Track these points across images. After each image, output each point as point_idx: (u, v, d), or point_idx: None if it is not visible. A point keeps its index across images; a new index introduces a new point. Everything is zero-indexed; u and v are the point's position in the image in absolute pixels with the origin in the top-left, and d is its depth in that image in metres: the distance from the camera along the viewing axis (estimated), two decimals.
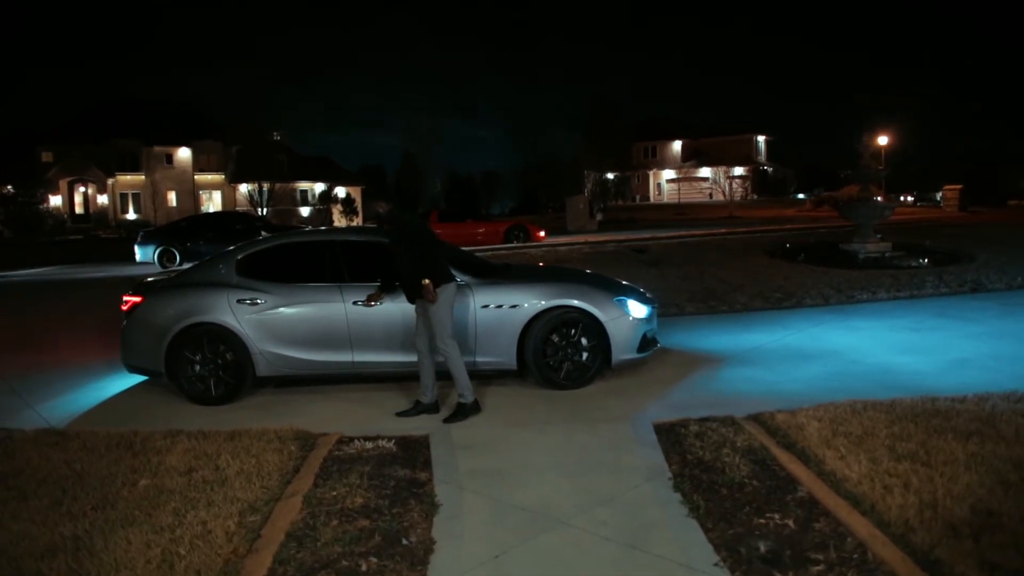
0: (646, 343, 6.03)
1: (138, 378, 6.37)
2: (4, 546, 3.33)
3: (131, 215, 48.98)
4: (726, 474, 3.86)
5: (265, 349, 5.76)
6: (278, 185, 47.33)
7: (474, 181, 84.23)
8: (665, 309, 8.63)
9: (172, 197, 50.43)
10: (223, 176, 51.09)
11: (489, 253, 14.18)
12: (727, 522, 3.37)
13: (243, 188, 48.33)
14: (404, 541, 3.31)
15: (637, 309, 5.96)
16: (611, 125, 51.40)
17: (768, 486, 3.70)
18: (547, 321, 5.71)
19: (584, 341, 5.77)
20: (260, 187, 46.33)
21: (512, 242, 22.27)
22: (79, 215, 47.66)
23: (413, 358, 5.77)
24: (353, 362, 5.81)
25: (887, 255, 12.93)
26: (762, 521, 3.35)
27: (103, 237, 37.78)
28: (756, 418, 4.73)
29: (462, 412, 5.17)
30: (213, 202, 51.48)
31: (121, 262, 21.26)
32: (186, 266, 9.78)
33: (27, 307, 12.66)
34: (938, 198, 41.01)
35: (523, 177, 65.88)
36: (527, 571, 3.08)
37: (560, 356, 5.77)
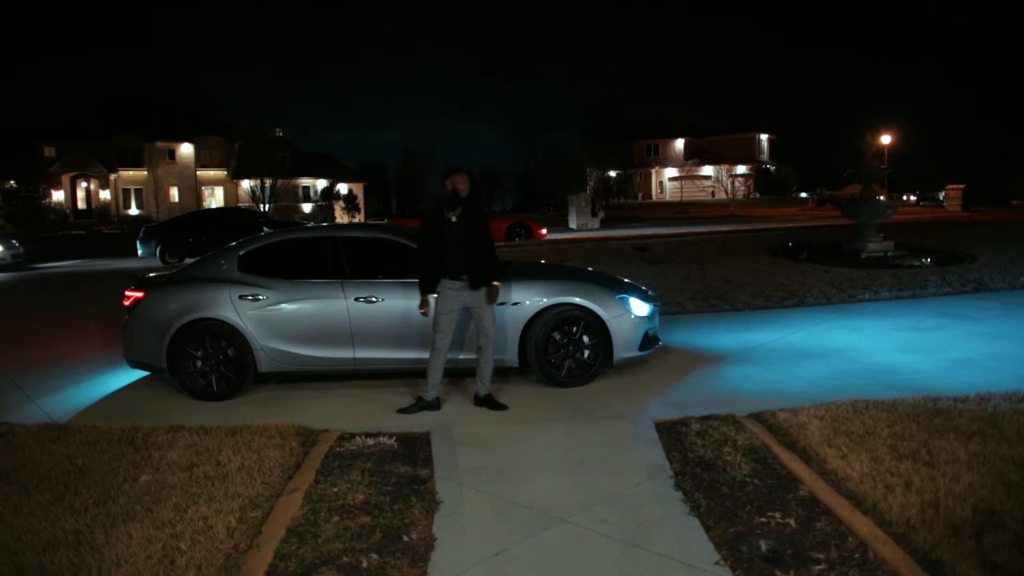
0: (648, 341, 6.03)
1: (140, 373, 6.37)
2: (6, 540, 3.33)
3: (133, 210, 49.03)
4: (727, 472, 3.86)
5: (267, 345, 5.76)
6: (280, 181, 47.34)
7: (475, 179, 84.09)
8: (667, 307, 8.63)
9: (174, 193, 50.47)
10: (225, 172, 51.13)
11: None
12: (728, 521, 3.36)
13: (245, 184, 48.31)
14: (405, 538, 3.32)
15: (639, 307, 5.95)
16: (613, 123, 51.39)
17: (769, 485, 3.69)
18: (549, 319, 5.71)
19: (586, 339, 5.77)
20: (262, 183, 46.34)
21: (514, 240, 22.28)
22: (81, 210, 47.72)
23: (414, 354, 5.78)
24: (354, 358, 5.82)
25: (889, 254, 12.91)
26: (763, 520, 3.34)
27: (105, 232, 37.79)
28: (757, 417, 4.72)
29: (491, 403, 5.30)
30: (215, 198, 51.53)
31: (122, 257, 21.30)
32: (188, 262, 9.77)
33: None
34: (941, 198, 40.95)
35: (524, 175, 65.88)
36: (528, 568, 3.08)
37: (562, 354, 5.77)
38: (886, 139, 41.74)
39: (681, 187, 61.95)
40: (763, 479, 3.76)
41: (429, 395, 5.34)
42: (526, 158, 61.72)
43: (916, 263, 12.37)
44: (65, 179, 47.17)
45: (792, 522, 3.30)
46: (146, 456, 4.32)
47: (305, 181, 53.22)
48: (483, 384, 5.38)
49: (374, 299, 5.75)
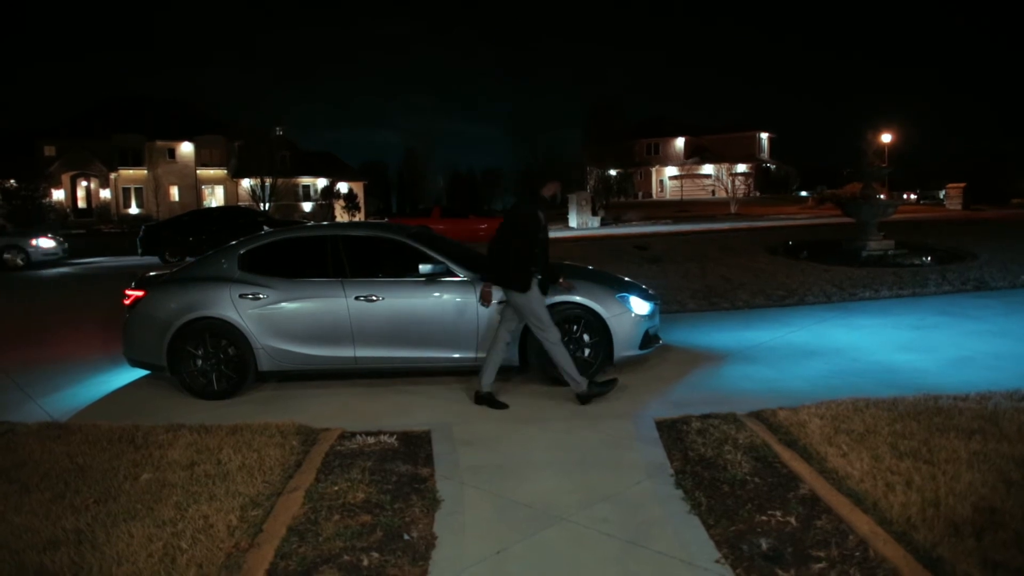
0: (648, 340, 6.02)
1: (140, 372, 6.37)
2: (7, 539, 3.33)
3: (133, 209, 49.05)
4: (728, 471, 3.86)
5: (267, 344, 5.76)
6: (280, 180, 47.39)
7: (475, 178, 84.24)
8: (667, 306, 8.63)
9: (174, 192, 50.49)
10: (225, 171, 51.14)
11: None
12: (729, 519, 3.37)
13: (245, 183, 48.35)
14: (406, 536, 3.32)
15: (639, 306, 5.95)
16: (613, 123, 51.42)
17: (770, 483, 3.69)
18: None
19: (586, 337, 5.77)
20: (262, 182, 46.38)
21: None
22: (81, 209, 47.74)
23: (415, 353, 5.79)
24: (355, 357, 5.82)
25: (890, 253, 12.90)
26: (764, 518, 3.34)
27: (105, 231, 37.81)
28: (758, 415, 4.72)
29: (598, 390, 5.30)
30: (215, 197, 51.54)
31: (122, 255, 21.32)
32: (188, 260, 9.77)
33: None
34: (941, 196, 40.95)
35: (525, 174, 65.83)
36: (528, 567, 3.08)
37: None
38: (887, 138, 41.72)
39: (681, 186, 61.94)
40: (763, 477, 3.76)
41: (582, 386, 5.25)
42: (526, 157, 61.72)
43: (916, 262, 12.36)
44: (65, 178, 47.18)
45: (793, 520, 3.30)
46: (147, 455, 4.33)
47: (305, 180, 53.24)
48: (486, 381, 5.37)
49: (375, 298, 5.75)
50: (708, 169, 59.68)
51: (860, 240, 13.20)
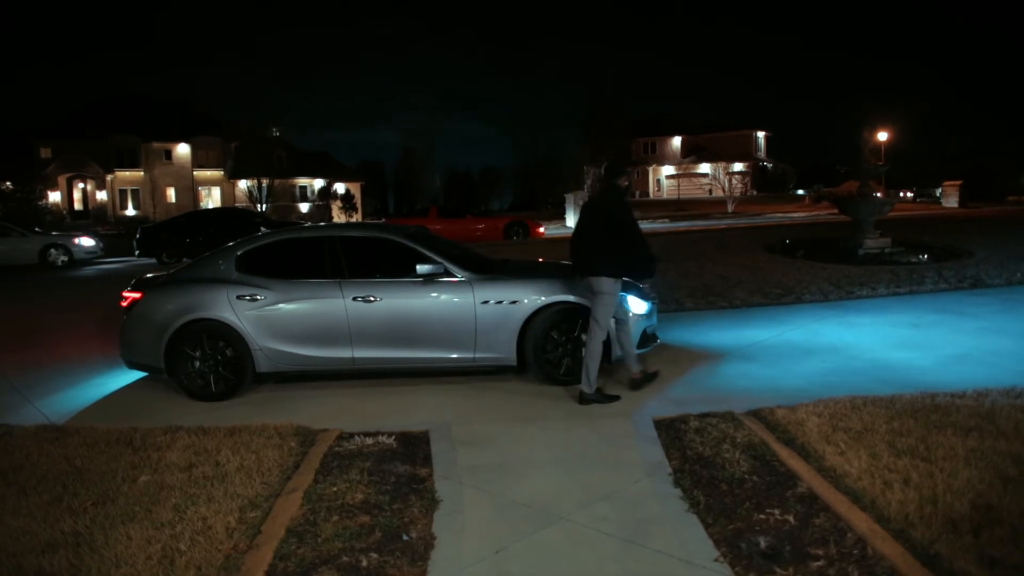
0: (646, 339, 6.03)
1: (138, 374, 6.37)
2: (4, 542, 3.33)
3: (130, 211, 48.94)
4: (726, 470, 3.86)
5: (265, 345, 5.76)
6: (277, 181, 47.32)
7: (473, 178, 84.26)
8: (664, 305, 8.63)
9: (171, 193, 50.39)
10: (222, 172, 51.06)
11: (489, 249, 14.18)
12: (727, 517, 3.37)
13: (242, 184, 48.28)
14: (404, 537, 3.32)
15: (637, 305, 5.95)
16: (611, 122, 51.42)
17: (768, 482, 3.70)
18: (547, 317, 5.71)
19: (584, 337, 5.77)
20: (259, 183, 46.32)
21: (512, 238, 22.27)
22: (78, 211, 47.62)
23: (412, 354, 5.79)
24: (353, 358, 5.81)
25: (886, 251, 12.92)
26: (762, 516, 3.35)
27: (102, 233, 37.73)
28: (756, 414, 4.73)
29: (600, 399, 5.31)
30: (212, 198, 51.46)
31: (120, 257, 21.27)
32: (185, 262, 9.76)
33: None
34: (938, 194, 41.02)
35: (522, 173, 65.91)
36: (527, 566, 3.08)
37: (560, 352, 5.77)
38: (883, 136, 41.79)
39: (679, 185, 61.97)
40: (762, 476, 3.77)
41: (591, 389, 5.28)
42: (525, 157, 61.81)
43: (913, 259, 12.38)
44: (61, 180, 47.07)
45: (791, 518, 3.30)
46: (145, 457, 4.32)
47: (302, 181, 53.16)
48: (588, 382, 5.26)
49: (372, 298, 5.74)
50: (705, 168, 59.73)
51: (857, 238, 13.21)
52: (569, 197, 33.00)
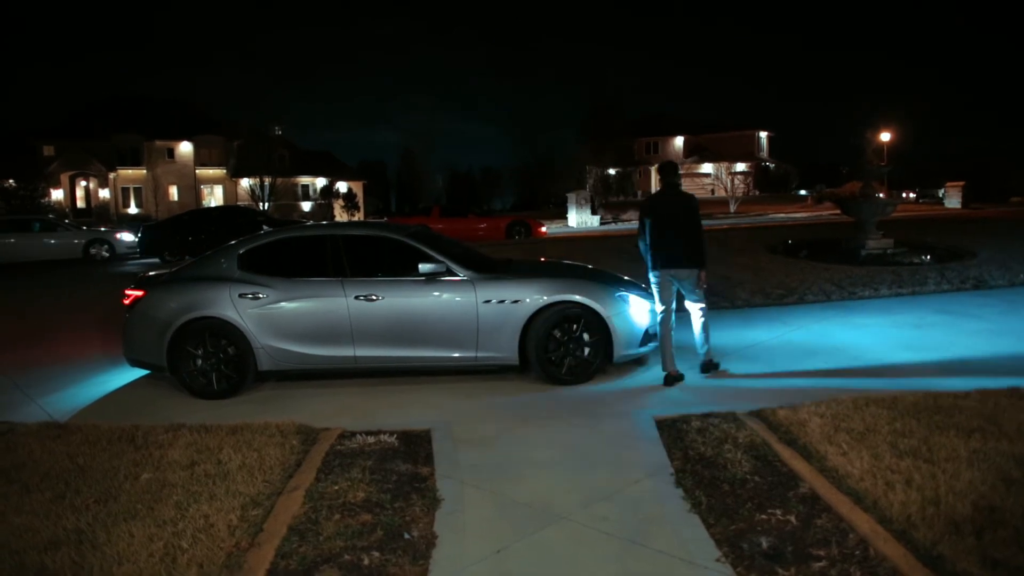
0: (648, 338, 6.03)
1: (140, 372, 6.37)
2: (7, 539, 3.33)
3: (132, 209, 48.99)
4: (728, 470, 3.86)
5: (267, 343, 5.76)
6: (279, 180, 47.36)
7: (474, 178, 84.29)
8: None
9: (173, 191, 50.44)
10: (225, 171, 51.10)
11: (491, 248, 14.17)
12: (729, 518, 3.37)
13: (244, 183, 48.33)
14: (406, 535, 3.32)
15: (639, 304, 5.95)
16: (612, 121, 51.40)
17: (770, 482, 3.70)
18: (549, 316, 5.71)
19: (586, 336, 5.77)
20: (261, 182, 46.37)
21: (514, 238, 22.27)
22: (80, 209, 47.67)
23: (414, 352, 5.80)
24: (355, 357, 5.82)
25: (889, 251, 12.89)
26: (764, 517, 3.35)
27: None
28: (758, 414, 4.72)
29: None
30: (215, 197, 51.49)
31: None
32: (188, 260, 9.77)
33: None
34: (940, 195, 40.93)
35: (524, 173, 65.89)
36: (529, 566, 3.08)
37: (562, 351, 5.77)
38: (886, 136, 41.72)
39: (681, 184, 61.90)
40: (764, 476, 3.77)
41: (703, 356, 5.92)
42: (526, 157, 61.77)
43: (916, 260, 12.35)
44: (64, 178, 47.14)
45: (793, 519, 3.30)
46: (147, 455, 4.33)
47: (304, 179, 53.20)
48: (672, 362, 5.80)
49: (374, 297, 5.75)
50: (707, 168, 59.62)
51: (859, 239, 13.18)
52: (571, 197, 33.02)
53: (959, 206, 34.36)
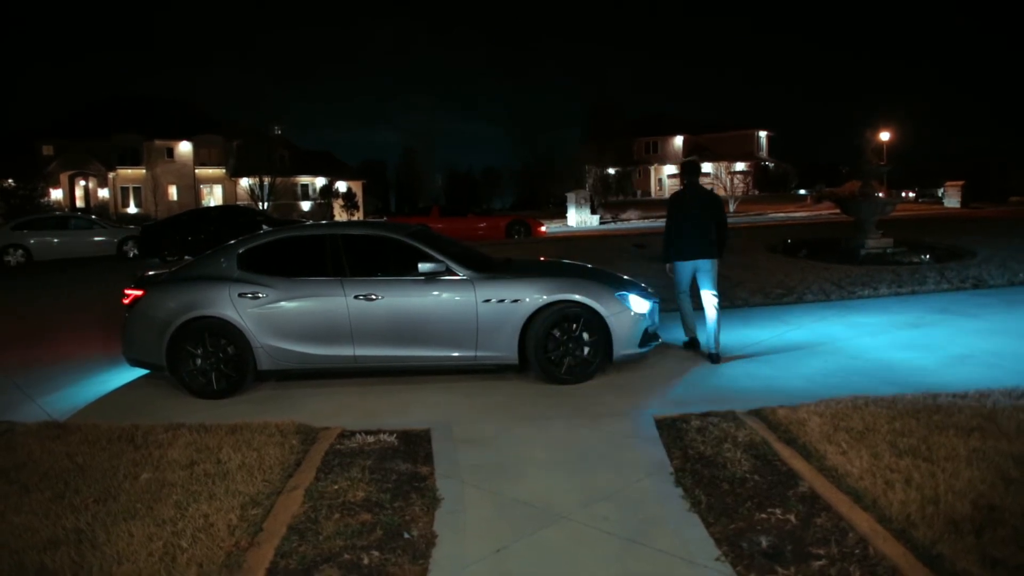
0: (647, 338, 6.03)
1: (139, 372, 6.37)
2: (6, 539, 3.33)
3: (132, 209, 48.99)
4: (727, 469, 3.86)
5: (266, 343, 5.76)
6: (279, 179, 47.37)
7: (474, 177, 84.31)
8: (666, 304, 8.61)
9: (173, 191, 50.44)
10: (224, 170, 51.10)
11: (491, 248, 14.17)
12: (728, 517, 3.37)
13: (244, 182, 48.33)
14: (406, 535, 3.32)
15: (639, 304, 5.95)
16: (612, 121, 51.43)
17: (769, 481, 3.70)
18: (549, 316, 5.71)
19: (586, 336, 5.77)
20: (261, 181, 46.37)
21: (513, 237, 22.27)
22: (80, 209, 47.64)
23: (414, 352, 5.81)
24: (354, 356, 5.82)
25: (888, 251, 12.90)
26: (763, 516, 3.35)
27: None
28: (757, 413, 4.73)
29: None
30: (214, 196, 51.50)
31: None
32: (187, 260, 9.78)
33: None
34: (940, 194, 40.94)
35: (523, 173, 65.89)
36: (528, 565, 3.08)
37: (561, 351, 5.77)
38: (885, 136, 41.73)
39: (680, 184, 61.90)
40: (763, 475, 3.77)
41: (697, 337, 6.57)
42: (526, 156, 61.75)
43: (915, 259, 12.35)
44: (64, 178, 47.13)
45: (792, 518, 3.30)
46: (146, 454, 4.33)
47: (304, 179, 53.21)
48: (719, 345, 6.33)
49: (374, 297, 5.75)
50: (707, 168, 59.45)
51: (859, 238, 13.19)
52: (570, 196, 33.04)
53: (958, 205, 34.38)
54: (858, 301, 8.93)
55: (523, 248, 17.11)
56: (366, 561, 3.09)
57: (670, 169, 64.24)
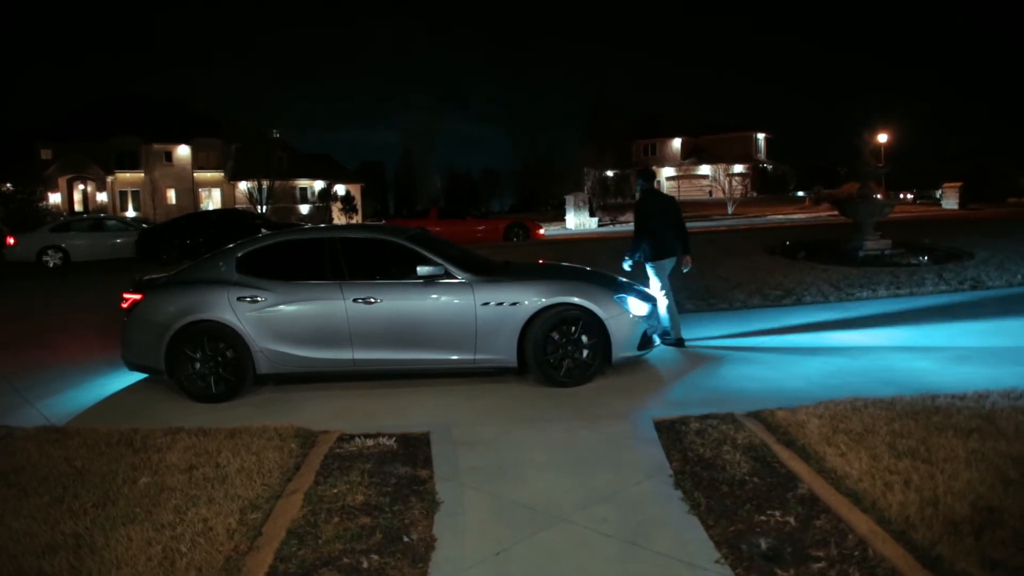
0: (646, 341, 6.03)
1: (138, 376, 6.37)
2: (5, 543, 3.33)
3: (130, 212, 48.90)
4: (727, 471, 3.86)
5: (265, 347, 5.76)
6: (278, 183, 47.31)
7: (473, 179, 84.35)
8: None
9: (171, 195, 50.40)
10: (223, 174, 51.07)
11: (489, 250, 14.16)
12: (728, 519, 3.37)
13: (243, 186, 48.29)
14: (405, 538, 3.32)
15: (637, 307, 5.96)
16: (611, 123, 51.35)
17: (769, 483, 3.70)
18: (548, 319, 5.71)
19: (584, 339, 5.77)
20: (260, 184, 46.33)
21: (512, 240, 22.28)
22: (78, 212, 47.62)
23: (413, 355, 5.81)
24: (353, 359, 5.81)
25: (887, 252, 12.91)
26: (763, 518, 3.35)
27: None
28: (756, 415, 4.73)
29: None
30: (213, 200, 51.46)
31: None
32: (186, 264, 9.78)
33: None
34: (938, 195, 40.99)
35: (522, 175, 65.84)
36: (528, 568, 3.08)
37: (561, 354, 5.76)
38: (883, 137, 41.80)
39: (679, 186, 61.93)
40: (762, 477, 3.77)
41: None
42: (525, 157, 61.65)
43: (914, 261, 12.37)
44: (62, 181, 47.09)
45: (792, 520, 3.30)
46: (145, 458, 4.32)
47: (302, 182, 53.18)
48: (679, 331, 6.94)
49: (373, 300, 5.75)
50: (705, 170, 59.70)
51: (857, 240, 13.21)
52: (569, 199, 33.05)
53: (956, 207, 34.42)
54: (857, 303, 8.93)
55: (522, 251, 17.12)
56: (365, 565, 3.08)
57: (669, 171, 64.30)
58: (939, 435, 4.06)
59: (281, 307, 5.80)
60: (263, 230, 16.63)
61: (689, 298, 9.51)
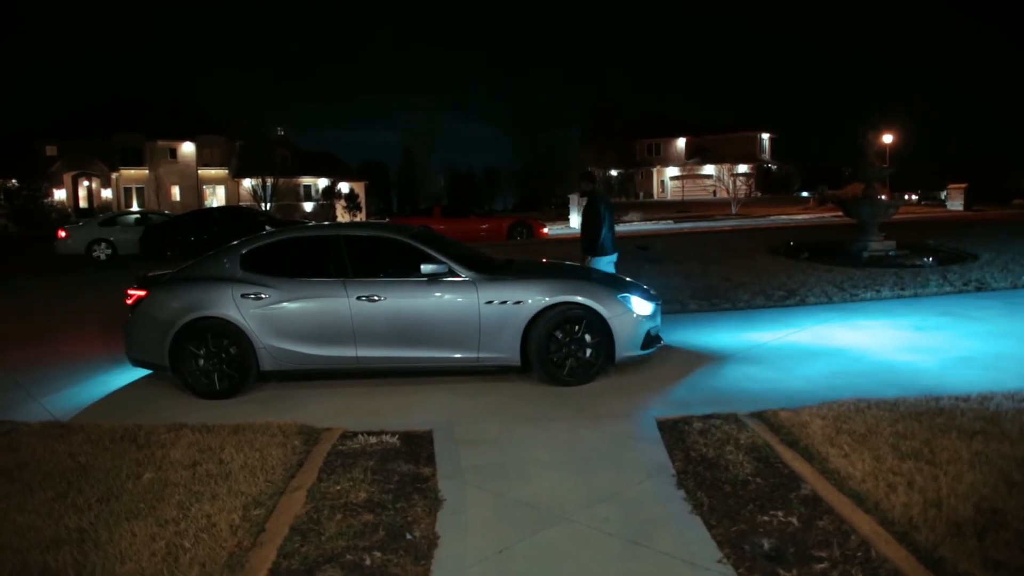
0: (650, 340, 6.03)
1: (142, 372, 6.38)
2: (10, 538, 3.34)
3: (135, 209, 49.07)
4: (729, 471, 3.86)
5: (269, 344, 5.77)
6: (281, 180, 47.45)
7: (476, 178, 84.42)
8: (668, 306, 8.62)
9: (176, 191, 50.55)
10: (227, 171, 51.21)
11: (493, 249, 14.16)
12: (731, 519, 3.37)
13: (247, 183, 48.40)
14: (408, 536, 3.32)
15: (641, 306, 5.96)
16: (611, 123, 51.41)
17: (771, 483, 3.70)
18: (551, 318, 5.71)
19: (588, 338, 5.77)
20: (263, 182, 46.44)
21: (515, 239, 22.28)
22: (83, 209, 47.75)
23: (416, 353, 5.81)
24: (357, 357, 5.82)
25: (891, 253, 12.88)
26: (765, 518, 3.35)
27: None
28: (759, 415, 4.73)
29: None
30: (217, 197, 51.61)
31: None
32: (190, 261, 9.79)
33: None
34: (942, 197, 40.87)
35: (525, 174, 65.91)
36: (530, 566, 3.08)
37: (564, 352, 5.77)
38: (888, 138, 41.70)
39: (682, 186, 61.90)
40: (765, 478, 3.77)
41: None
42: (526, 157, 61.72)
43: (918, 262, 12.33)
44: (67, 178, 47.24)
45: (794, 520, 3.30)
46: (149, 454, 4.34)
47: (306, 180, 53.29)
48: None
49: (376, 298, 5.75)
50: (709, 169, 59.59)
51: (861, 241, 13.18)
52: (573, 198, 33.01)
53: (961, 208, 34.32)
54: (861, 304, 8.92)
55: (525, 249, 17.13)
56: (368, 562, 3.09)
57: (672, 171, 64.26)
58: (943, 437, 4.05)
59: (285, 304, 5.81)
60: (267, 228, 16.68)
61: (692, 297, 9.51)
